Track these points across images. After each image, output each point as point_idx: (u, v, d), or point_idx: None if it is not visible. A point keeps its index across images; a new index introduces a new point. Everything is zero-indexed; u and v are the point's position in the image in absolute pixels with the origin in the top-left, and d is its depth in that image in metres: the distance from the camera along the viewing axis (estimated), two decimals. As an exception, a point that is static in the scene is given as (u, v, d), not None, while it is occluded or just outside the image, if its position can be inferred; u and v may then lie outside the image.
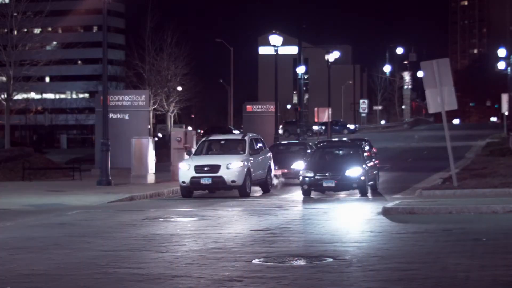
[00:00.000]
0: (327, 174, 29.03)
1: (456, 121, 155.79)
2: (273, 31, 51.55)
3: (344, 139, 49.96)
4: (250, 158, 31.16)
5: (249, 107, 59.34)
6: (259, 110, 58.52)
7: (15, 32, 50.50)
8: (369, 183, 30.07)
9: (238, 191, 30.34)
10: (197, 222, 20.90)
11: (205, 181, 30.07)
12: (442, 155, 40.88)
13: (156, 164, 36.96)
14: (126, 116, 41.97)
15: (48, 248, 15.96)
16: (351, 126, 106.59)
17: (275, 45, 51.14)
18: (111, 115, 39.68)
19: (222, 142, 32.98)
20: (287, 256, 14.39)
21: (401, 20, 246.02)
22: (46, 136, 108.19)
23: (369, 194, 29.56)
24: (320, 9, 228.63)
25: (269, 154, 33.72)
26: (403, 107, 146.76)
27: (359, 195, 29.21)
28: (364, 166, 29.58)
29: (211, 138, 33.39)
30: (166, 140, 64.47)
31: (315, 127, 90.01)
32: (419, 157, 56.09)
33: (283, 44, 53.48)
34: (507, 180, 28.26)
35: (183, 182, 30.36)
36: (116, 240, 17.15)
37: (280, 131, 79.98)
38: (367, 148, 37.26)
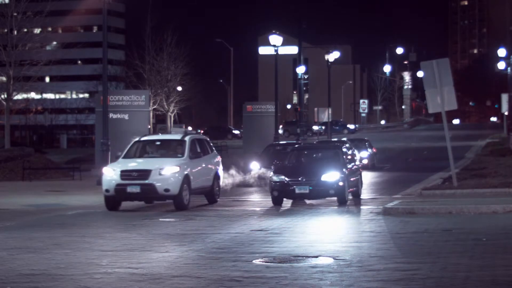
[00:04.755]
0: (300, 178, 24.97)
1: (456, 121, 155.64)
2: (273, 31, 51.53)
3: (344, 139, 49.95)
4: (190, 163, 25.67)
5: (249, 107, 59.32)
6: (259, 110, 58.48)
7: (15, 32, 50.51)
8: (350, 189, 25.90)
9: (173, 202, 24.80)
10: (197, 222, 20.89)
11: (133, 189, 24.44)
12: (442, 155, 40.87)
13: (156, 164, 36.78)
14: (126, 116, 41.94)
15: (48, 248, 15.96)
16: (351, 126, 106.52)
17: (275, 45, 51.11)
18: (111, 115, 39.66)
19: (158, 143, 27.27)
20: (287, 256, 14.39)
21: (401, 20, 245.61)
22: (46, 136, 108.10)
23: (349, 203, 25.46)
24: (320, 9, 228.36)
25: (218, 158, 28.24)
26: (403, 107, 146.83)
27: (337, 204, 25.14)
28: (343, 170, 25.48)
29: (144, 138, 27.34)
30: (166, 140, 64.35)
31: (315, 127, 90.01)
32: (419, 157, 56.06)
33: (283, 44, 53.48)
34: (507, 180, 28.27)
35: (107, 190, 24.75)
36: (116, 240, 17.16)
37: (280, 131, 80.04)
38: (350, 151, 32.26)
